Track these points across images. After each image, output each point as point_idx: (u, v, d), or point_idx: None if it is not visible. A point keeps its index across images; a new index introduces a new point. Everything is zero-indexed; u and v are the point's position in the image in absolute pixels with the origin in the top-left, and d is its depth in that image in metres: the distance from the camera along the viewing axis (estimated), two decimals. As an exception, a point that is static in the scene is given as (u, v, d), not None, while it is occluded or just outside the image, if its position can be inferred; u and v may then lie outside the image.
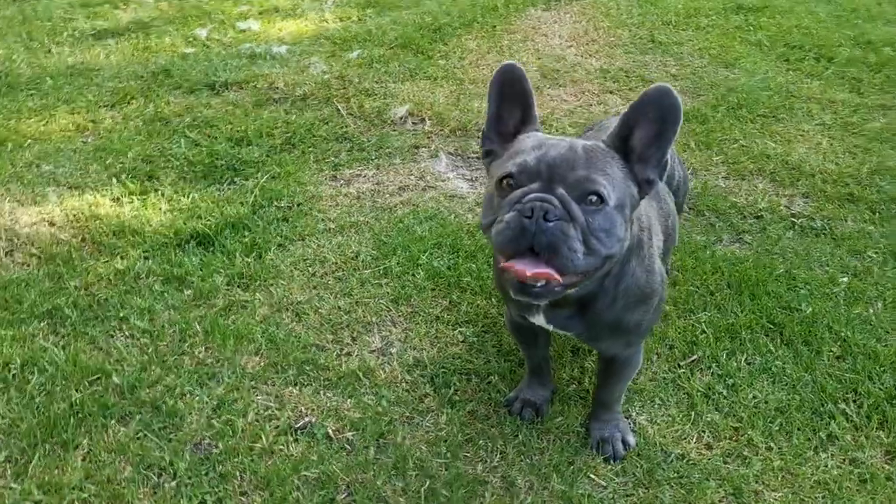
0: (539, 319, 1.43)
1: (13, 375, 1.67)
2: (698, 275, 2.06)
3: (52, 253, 2.04)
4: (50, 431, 1.54)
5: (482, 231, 1.25)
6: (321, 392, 1.68)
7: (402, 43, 3.33)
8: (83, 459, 1.50)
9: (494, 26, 3.56)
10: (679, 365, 1.80)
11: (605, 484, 1.52)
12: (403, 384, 1.72)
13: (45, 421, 1.56)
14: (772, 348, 1.84)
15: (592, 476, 1.53)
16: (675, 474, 1.53)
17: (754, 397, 1.72)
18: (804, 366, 1.79)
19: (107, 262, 2.01)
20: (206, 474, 1.48)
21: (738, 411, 1.68)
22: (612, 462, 1.57)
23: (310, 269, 2.05)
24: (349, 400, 1.67)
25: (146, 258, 2.03)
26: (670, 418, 1.66)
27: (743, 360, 1.81)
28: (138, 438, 1.54)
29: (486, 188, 1.27)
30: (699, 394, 1.72)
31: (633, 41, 3.47)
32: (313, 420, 1.62)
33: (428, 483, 1.50)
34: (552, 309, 1.39)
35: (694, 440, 1.60)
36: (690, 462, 1.55)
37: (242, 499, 1.45)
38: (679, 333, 1.87)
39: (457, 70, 3.14)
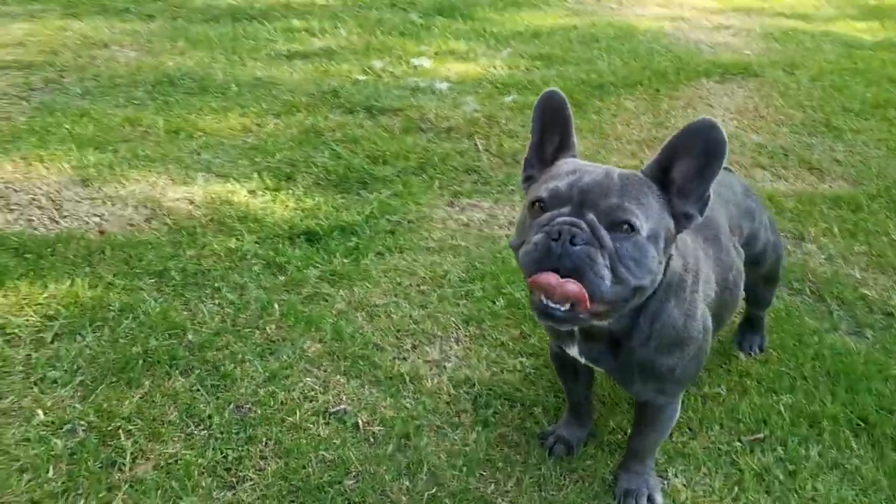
0: (574, 351, 1.41)
1: (111, 316, 1.87)
2: (795, 357, 1.92)
3: (182, 225, 2.27)
4: (122, 368, 1.71)
5: (513, 251, 1.26)
6: (365, 387, 1.74)
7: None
8: (140, 398, 1.65)
9: (658, 90, 3.54)
10: (740, 439, 1.68)
11: (616, 535, 1.45)
12: (445, 396, 1.74)
13: (120, 359, 1.73)
14: (853, 445, 1.68)
15: (604, 524, 1.47)
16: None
17: (814, 489, 1.57)
18: (886, 470, 1.61)
19: (222, 240, 2.21)
20: (237, 433, 1.58)
21: (790, 500, 1.53)
22: (633, 515, 1.49)
23: (397, 278, 2.13)
24: (389, 399, 1.72)
25: (257, 243, 2.21)
26: (710, 489, 1.56)
27: (815, 451, 1.66)
28: (191, 390, 1.68)
29: (521, 211, 1.28)
30: (752, 472, 1.59)
31: (804, 122, 3.31)
32: (348, 409, 1.68)
33: (435, 490, 1.50)
34: (586, 341, 1.37)
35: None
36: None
37: (259, 462, 1.53)
38: (751, 409, 1.75)
39: (605, 125, 3.15)
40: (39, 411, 1.59)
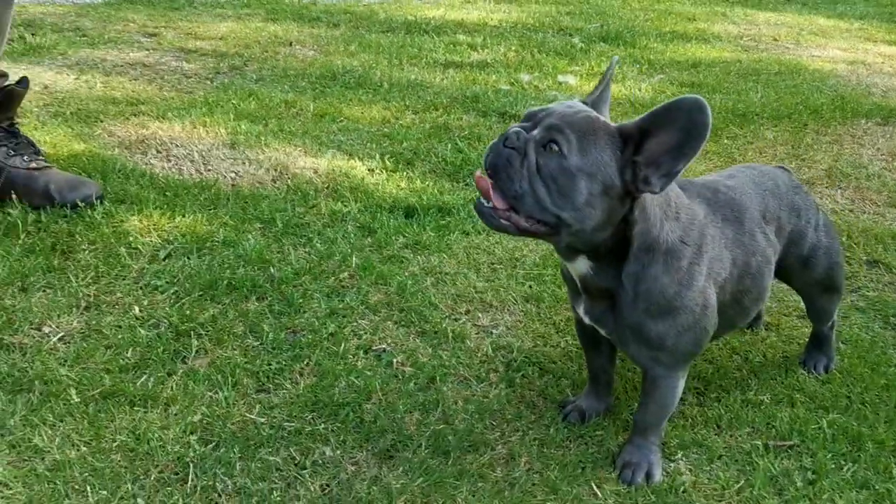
0: (581, 310, 1.49)
1: (215, 247, 2.15)
2: (862, 382, 1.84)
3: (300, 187, 2.54)
4: (209, 286, 1.98)
5: None
6: (411, 336, 1.89)
7: (696, 118, 3.38)
8: (217, 311, 1.90)
9: (806, 124, 3.43)
10: (767, 443, 1.65)
11: (601, 498, 1.48)
12: (481, 356, 1.85)
13: (211, 279, 2.00)
14: (893, 471, 1.59)
15: (594, 486, 1.51)
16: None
17: (832, 501, 1.52)
18: (921, 500, 1.52)
19: (329, 203, 2.45)
20: (284, 351, 1.78)
21: (801, 504, 1.49)
22: (623, 485, 1.52)
23: (475, 255, 2.26)
24: (428, 349, 1.85)
25: (359, 211, 2.43)
26: (716, 479, 1.55)
27: (848, 470, 1.59)
28: (259, 313, 1.90)
29: None
30: (767, 473, 1.56)
31: (964, 172, 3.08)
32: (388, 349, 1.83)
33: (442, 426, 1.61)
34: (591, 301, 1.45)
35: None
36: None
37: (297, 376, 1.72)
38: (791, 419, 1.71)
39: (736, 151, 3.11)
40: (136, 307, 1.88)
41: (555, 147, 1.24)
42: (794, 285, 1.79)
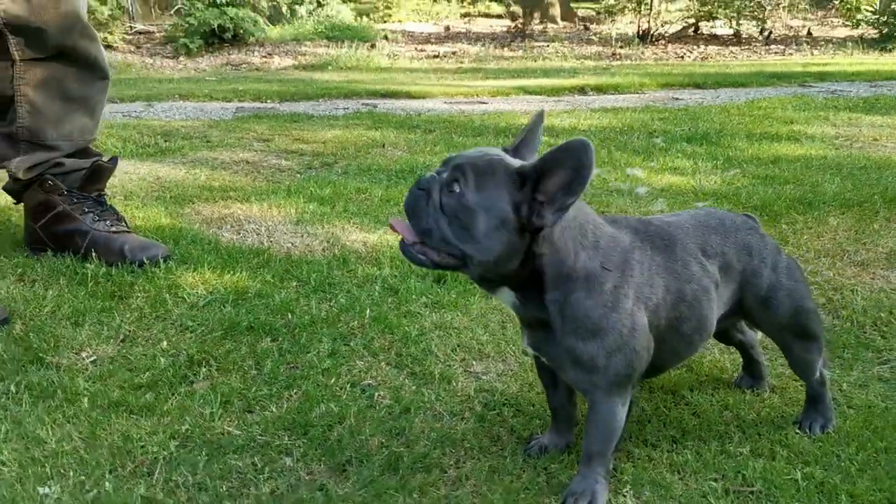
0: (524, 341, 1.59)
1: (247, 298, 2.40)
2: (858, 444, 1.76)
3: (345, 256, 2.77)
4: (231, 328, 2.20)
5: None
6: (400, 377, 2.00)
7: (757, 205, 3.38)
8: (230, 346, 2.11)
9: (878, 212, 3.32)
10: (727, 487, 1.62)
11: (537, 521, 1.52)
12: (462, 395, 1.93)
13: (234, 323, 2.22)
14: (863, 524, 1.52)
15: (534, 510, 1.54)
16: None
17: (781, 545, 1.47)
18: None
19: (367, 269, 2.66)
20: (278, 381, 1.95)
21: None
22: (565, 514, 1.54)
23: (489, 314, 2.37)
24: (413, 386, 1.96)
25: (391, 275, 2.61)
26: (662, 514, 1.54)
27: (813, 518, 1.54)
28: (268, 350, 2.10)
29: None
30: (719, 514, 1.54)
31: None
32: (373, 384, 1.96)
33: (401, 449, 1.70)
34: (530, 331, 1.56)
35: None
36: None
37: (283, 402, 1.87)
38: (765, 469, 1.67)
39: (790, 235, 3.07)
40: (164, 342, 2.12)
41: (455, 186, 1.38)
42: (764, 329, 1.78)
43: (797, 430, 1.82)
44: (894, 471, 1.66)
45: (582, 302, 1.44)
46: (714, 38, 14.26)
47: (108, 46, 12.23)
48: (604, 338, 1.44)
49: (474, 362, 2.09)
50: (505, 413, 1.87)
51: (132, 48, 13.06)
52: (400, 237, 1.44)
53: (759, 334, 1.97)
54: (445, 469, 1.65)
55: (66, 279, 2.47)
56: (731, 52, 13.06)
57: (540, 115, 1.54)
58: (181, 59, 12.18)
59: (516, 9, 17.82)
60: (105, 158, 2.71)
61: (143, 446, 1.67)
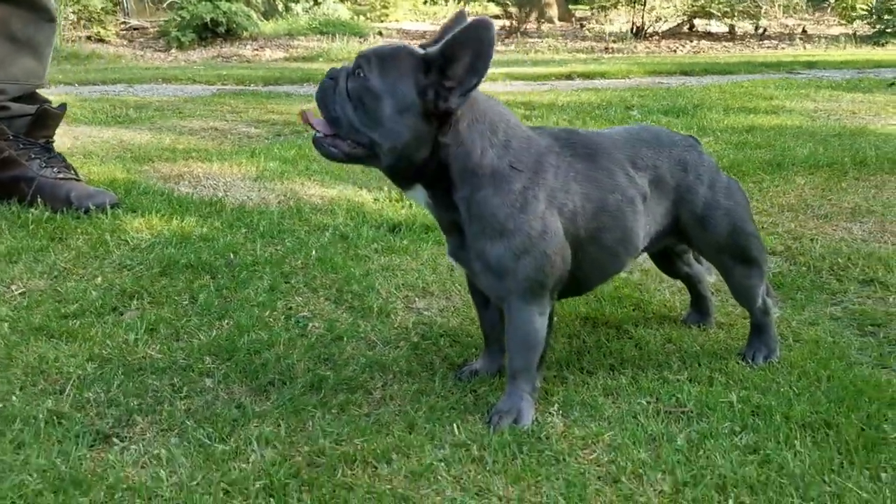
0: (448, 251, 1.55)
1: (192, 241, 2.34)
2: (803, 374, 1.72)
3: (300, 207, 2.73)
4: (169, 265, 2.15)
5: None
6: (339, 311, 1.96)
7: (725, 165, 3.33)
8: (166, 282, 2.06)
9: (847, 172, 3.28)
10: (659, 408, 1.57)
11: (456, 435, 1.45)
12: (399, 327, 1.88)
13: (176, 261, 2.17)
14: (796, 443, 1.47)
15: (455, 426, 1.48)
16: (525, 467, 1.40)
17: (708, 461, 1.42)
18: (817, 468, 1.39)
19: (321, 218, 2.61)
20: (213, 312, 1.90)
21: (677, 467, 1.40)
22: (490, 430, 1.49)
23: (440, 259, 2.32)
24: (350, 318, 1.91)
25: (344, 223, 2.56)
26: (588, 431, 1.48)
27: (741, 437, 1.48)
28: (205, 286, 2.04)
29: None
30: (647, 432, 1.49)
31: None
32: (308, 315, 1.91)
33: (328, 372, 1.66)
34: (449, 238, 1.51)
35: (594, 457, 1.42)
36: (560, 466, 1.40)
37: (212, 330, 1.82)
38: (700, 393, 1.62)
39: (755, 193, 3.02)
40: (99, 278, 2.07)
41: (360, 72, 1.37)
42: (702, 251, 1.73)
43: (739, 361, 1.77)
44: (834, 395, 1.61)
45: (489, 200, 1.40)
46: (708, 35, 14.22)
47: (101, 41, 12.20)
48: (511, 238, 1.40)
49: (417, 299, 2.04)
50: (441, 343, 1.82)
51: (125, 42, 13.00)
52: (314, 132, 1.41)
53: (714, 277, 1.92)
54: (371, 391, 1.61)
55: (7, 223, 2.42)
56: (724, 46, 13.03)
57: (459, 15, 1.49)
58: (173, 51, 12.13)
59: (513, 9, 17.79)
60: (54, 105, 2.66)
61: (58, 367, 1.62)
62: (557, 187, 1.44)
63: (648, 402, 1.59)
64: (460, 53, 1.31)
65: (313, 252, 2.26)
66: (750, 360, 1.77)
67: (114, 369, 1.62)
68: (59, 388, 1.55)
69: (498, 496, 1.28)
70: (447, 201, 1.44)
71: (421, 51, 1.38)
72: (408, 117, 1.35)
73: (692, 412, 1.55)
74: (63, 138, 3.68)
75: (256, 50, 12.33)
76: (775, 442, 1.46)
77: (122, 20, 14.50)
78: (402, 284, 2.11)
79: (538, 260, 1.41)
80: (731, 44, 13.32)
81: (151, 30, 14.13)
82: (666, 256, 1.87)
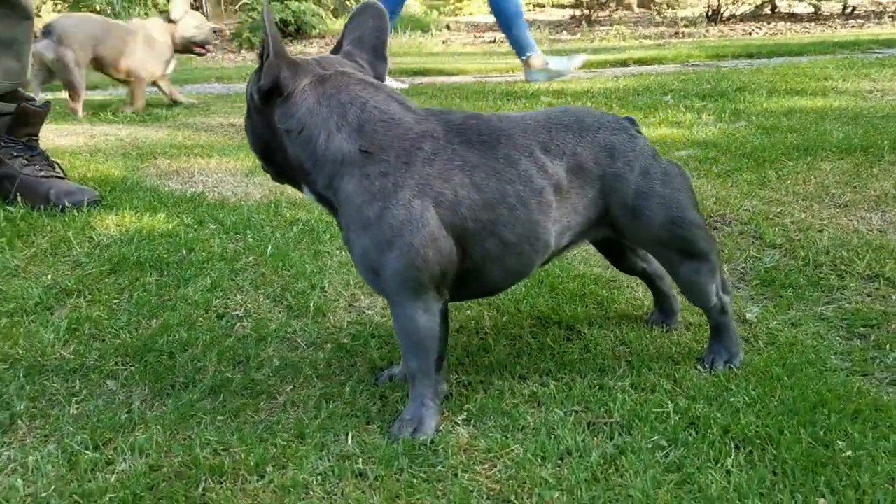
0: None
1: (152, 238, 2.30)
2: (760, 378, 1.54)
3: (279, 203, 2.66)
4: (119, 263, 2.11)
5: None
6: (276, 309, 1.88)
7: (747, 152, 3.10)
8: (111, 281, 2.01)
9: (882, 156, 2.99)
10: (580, 419, 1.42)
11: (348, 445, 1.35)
12: (330, 327, 1.78)
13: (122, 258, 2.13)
14: (729, 459, 1.30)
15: (347, 435, 1.37)
16: (408, 483, 1.28)
17: (622, 477, 1.27)
18: (751, 489, 1.23)
19: (295, 213, 2.53)
20: (142, 310, 1.84)
21: (581, 493, 1.26)
22: (388, 437, 1.38)
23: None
24: (283, 318, 1.82)
25: (316, 220, 2.48)
26: (493, 442, 1.35)
27: (664, 452, 1.32)
28: (147, 283, 1.99)
29: None
30: (560, 446, 1.34)
31: None
32: (241, 314, 1.83)
33: (238, 376, 1.57)
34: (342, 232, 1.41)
35: (491, 473, 1.29)
36: (448, 483, 1.27)
37: (136, 330, 1.77)
38: (636, 402, 1.46)
39: (772, 179, 2.79)
40: (49, 276, 2.05)
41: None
42: (641, 245, 1.56)
43: (699, 368, 1.60)
44: (788, 406, 1.42)
45: (344, 187, 1.30)
46: (791, 17, 13.51)
47: (178, 44, 12.60)
48: (371, 230, 1.29)
49: (363, 298, 1.94)
50: (371, 345, 1.71)
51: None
52: None
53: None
54: (276, 395, 1.51)
55: (-17, 221, 2.43)
56: (805, 27, 12.35)
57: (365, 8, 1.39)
58: (243, 52, 12.37)
59: (585, -3, 17.39)
60: (36, 103, 2.66)
61: (-39, 366, 1.58)
62: (432, 174, 1.30)
63: (574, 412, 1.44)
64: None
65: (269, 248, 2.17)
66: (708, 366, 1.59)
67: (18, 370, 1.57)
68: (-44, 390, 1.51)
69: (362, 516, 1.17)
70: (321, 195, 1.34)
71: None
72: (253, 116, 1.35)
73: (619, 423, 1.39)
74: (78, 137, 3.74)
75: (322, 48, 12.45)
76: (703, 459, 1.29)
77: (201, 24, 14.92)
78: (353, 283, 2.00)
79: (404, 252, 1.28)
80: (812, 24, 12.63)
81: (228, 32, 14.47)
82: (616, 251, 1.70)
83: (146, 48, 4.35)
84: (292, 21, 12.54)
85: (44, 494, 1.21)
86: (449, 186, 1.31)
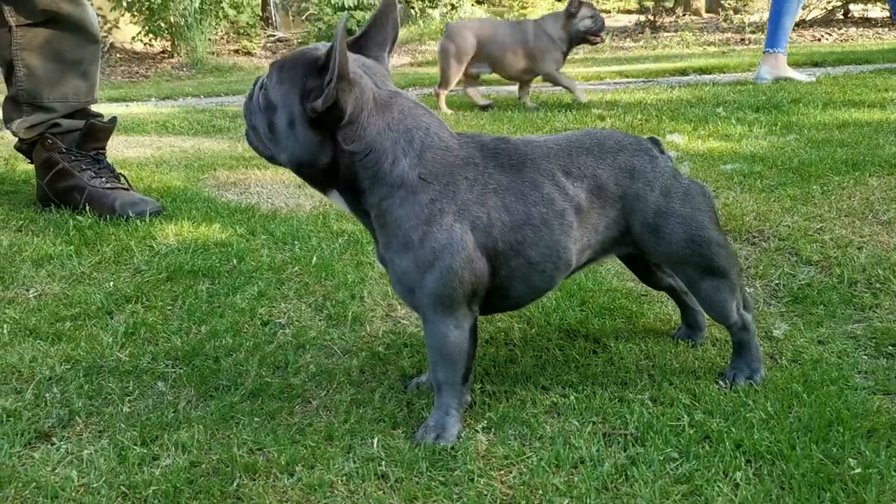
0: (377, 258, 1.53)
1: (207, 247, 2.44)
2: (779, 393, 1.58)
3: (328, 214, 2.77)
4: (175, 271, 2.25)
5: None
6: (316, 318, 1.98)
7: (793, 166, 3.09)
8: (166, 287, 2.15)
9: (933, 172, 2.95)
10: (597, 430, 1.48)
11: (374, 448, 1.44)
12: (367, 336, 1.88)
13: (178, 266, 2.27)
14: (738, 474, 1.35)
15: (373, 439, 1.46)
16: (426, 485, 1.36)
17: (631, 487, 1.33)
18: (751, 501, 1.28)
19: (341, 224, 2.64)
20: (194, 316, 1.97)
21: (591, 501, 1.32)
22: (412, 442, 1.46)
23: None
24: (323, 325, 1.93)
25: (361, 231, 2.58)
26: (515, 451, 1.42)
27: (678, 468, 1.38)
28: (200, 291, 2.12)
29: None
30: (575, 455, 1.41)
31: None
32: (283, 322, 1.95)
33: (276, 380, 1.68)
34: (376, 244, 1.50)
35: (506, 479, 1.37)
36: (464, 487, 1.35)
37: (188, 336, 1.89)
38: (653, 415, 1.52)
39: (816, 195, 2.78)
40: (111, 283, 2.20)
41: (265, 83, 1.39)
42: (660, 260, 1.61)
43: (719, 382, 1.64)
44: (804, 423, 1.45)
45: (394, 210, 1.36)
46: (865, 21, 13.15)
47: (248, 53, 13.00)
48: (415, 252, 1.36)
49: (399, 308, 2.03)
50: (403, 353, 1.80)
51: (269, 54, 13.72)
52: None
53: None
54: (310, 400, 1.61)
55: (55, 228, 2.61)
56: (877, 33, 12.00)
57: (388, 4, 1.46)
58: (308, 63, 12.66)
59: (649, 2, 17.23)
60: (104, 119, 2.84)
61: (32, 367, 1.73)
62: (471, 200, 1.39)
63: (591, 423, 1.50)
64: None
65: (314, 258, 2.28)
66: (729, 382, 1.63)
67: (79, 371, 1.71)
68: (23, 387, 1.65)
69: (381, 514, 1.25)
70: (360, 207, 1.42)
71: (321, 53, 1.35)
72: (297, 128, 1.34)
73: (634, 435, 1.45)
74: (146, 149, 3.95)
75: (382, 56, 12.63)
76: (713, 472, 1.34)
77: (270, 33, 15.33)
78: (391, 293, 2.09)
79: (443, 274, 1.36)
80: (885, 29, 12.26)
81: (295, 41, 14.84)
82: (643, 266, 1.76)
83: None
84: (356, 30, 12.80)
85: (95, 485, 1.33)
86: (484, 210, 1.39)
